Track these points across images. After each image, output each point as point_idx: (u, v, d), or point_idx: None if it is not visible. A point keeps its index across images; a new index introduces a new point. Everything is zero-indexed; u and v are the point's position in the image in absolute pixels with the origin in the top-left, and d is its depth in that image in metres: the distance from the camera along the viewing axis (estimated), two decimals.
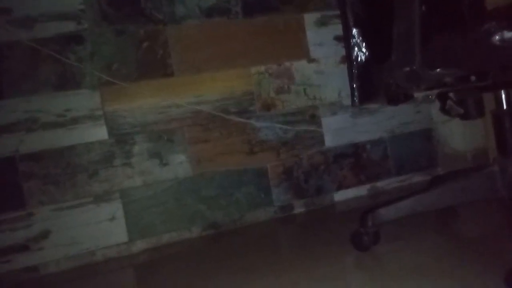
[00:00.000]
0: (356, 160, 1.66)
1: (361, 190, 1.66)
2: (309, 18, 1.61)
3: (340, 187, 1.63)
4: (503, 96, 1.03)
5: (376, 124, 1.69)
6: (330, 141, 1.63)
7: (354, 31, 1.12)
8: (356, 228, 1.10)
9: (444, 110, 1.17)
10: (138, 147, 1.40)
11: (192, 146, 1.46)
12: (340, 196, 1.64)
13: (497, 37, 0.82)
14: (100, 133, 1.36)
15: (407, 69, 0.95)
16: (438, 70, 0.95)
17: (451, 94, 1.11)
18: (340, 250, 1.13)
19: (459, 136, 1.71)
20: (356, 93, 1.15)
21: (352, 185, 1.65)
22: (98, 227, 1.35)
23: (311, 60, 1.61)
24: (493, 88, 1.03)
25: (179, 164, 1.44)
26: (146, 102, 1.41)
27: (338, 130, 1.64)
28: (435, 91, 1.10)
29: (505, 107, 1.03)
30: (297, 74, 1.59)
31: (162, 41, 1.43)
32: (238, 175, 1.51)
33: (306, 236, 1.36)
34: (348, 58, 1.15)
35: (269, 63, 1.56)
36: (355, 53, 1.13)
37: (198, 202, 1.46)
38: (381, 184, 1.69)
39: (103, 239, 1.36)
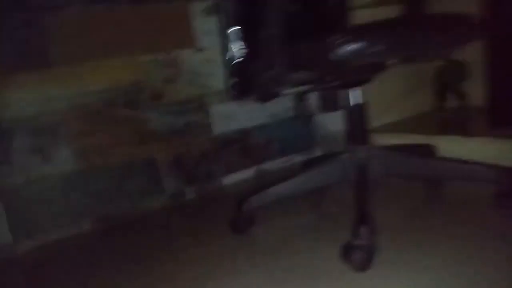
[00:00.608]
0: (243, 145, 1.75)
1: (248, 173, 1.76)
2: (198, 6, 1.62)
3: (228, 171, 1.72)
4: (350, 94, 1.19)
5: (261, 110, 1.79)
6: (218, 128, 1.69)
7: (232, 28, 1.18)
8: (233, 214, 1.27)
9: (299, 108, 1.31)
10: (18, 142, 1.34)
11: (77, 139, 1.42)
12: (228, 180, 1.73)
13: (335, 50, 0.94)
14: None
15: (271, 71, 1.05)
16: (296, 72, 1.06)
17: (308, 94, 1.26)
18: (222, 234, 1.25)
19: (334, 120, 1.88)
20: (233, 88, 1.22)
21: (239, 168, 1.75)
22: None
23: (199, 49, 1.63)
24: (342, 87, 1.19)
25: (64, 159, 1.41)
26: (26, 95, 1.35)
27: (225, 117, 1.71)
28: (300, 89, 1.21)
29: (351, 103, 1.19)
30: (186, 63, 1.61)
31: (41, 29, 1.35)
32: (127, 166, 1.51)
33: (195, 222, 1.43)
34: (225, 54, 1.20)
35: (157, 51, 1.55)
36: (231, 50, 1.18)
37: (86, 196, 1.45)
38: (266, 166, 1.80)
39: None
